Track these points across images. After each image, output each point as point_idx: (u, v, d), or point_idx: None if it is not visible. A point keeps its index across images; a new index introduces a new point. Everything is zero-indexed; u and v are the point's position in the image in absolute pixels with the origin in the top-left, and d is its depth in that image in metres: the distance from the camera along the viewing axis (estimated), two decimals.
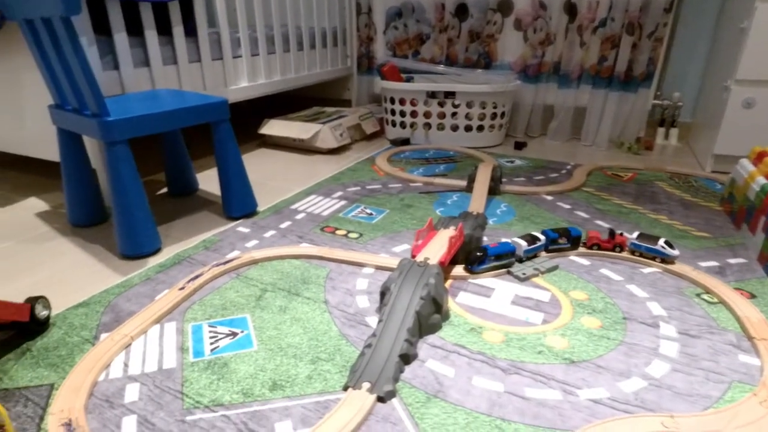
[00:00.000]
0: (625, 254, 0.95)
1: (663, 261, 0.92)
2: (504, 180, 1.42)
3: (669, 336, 0.73)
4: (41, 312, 0.74)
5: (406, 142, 1.83)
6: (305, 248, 0.99)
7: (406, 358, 0.66)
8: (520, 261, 0.92)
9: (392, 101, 1.81)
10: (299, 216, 1.17)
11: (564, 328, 0.75)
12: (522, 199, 1.27)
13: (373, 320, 0.77)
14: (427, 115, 1.78)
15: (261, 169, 1.56)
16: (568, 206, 1.22)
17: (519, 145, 1.78)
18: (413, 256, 0.84)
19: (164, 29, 1.31)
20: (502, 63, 1.90)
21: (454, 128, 1.77)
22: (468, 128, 1.76)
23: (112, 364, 0.68)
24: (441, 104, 1.74)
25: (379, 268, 0.93)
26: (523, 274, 0.88)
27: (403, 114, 1.81)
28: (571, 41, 1.76)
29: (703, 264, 0.93)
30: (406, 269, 0.77)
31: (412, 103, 1.78)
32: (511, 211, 1.19)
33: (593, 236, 0.97)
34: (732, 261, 0.94)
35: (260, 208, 1.23)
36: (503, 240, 0.94)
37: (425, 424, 0.57)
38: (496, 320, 0.77)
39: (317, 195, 1.30)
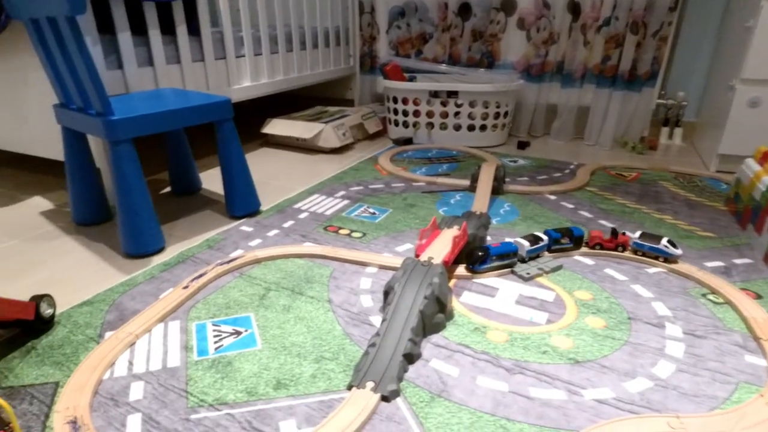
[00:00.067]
0: (627, 254, 0.95)
1: (666, 260, 0.92)
2: (507, 179, 1.42)
3: (675, 336, 0.72)
4: (46, 310, 0.74)
5: (408, 141, 1.82)
6: (308, 247, 0.99)
7: (410, 358, 0.66)
8: (523, 261, 0.92)
9: (395, 101, 1.80)
10: (302, 215, 1.17)
11: (568, 327, 0.74)
12: (525, 199, 1.27)
13: (376, 319, 0.77)
14: (429, 114, 1.78)
15: (264, 168, 1.56)
16: (571, 206, 1.22)
17: (522, 145, 1.77)
18: (417, 256, 0.84)
19: (168, 29, 1.31)
20: (505, 62, 1.89)
21: (457, 128, 1.77)
22: (471, 128, 1.76)
23: (117, 362, 0.68)
24: (444, 104, 1.74)
25: (382, 267, 0.93)
26: (527, 273, 0.88)
27: (405, 113, 1.81)
28: (574, 40, 1.75)
29: (709, 264, 0.93)
30: (410, 268, 0.77)
31: (415, 103, 1.77)
32: (515, 211, 1.19)
33: (595, 236, 0.97)
34: (738, 261, 0.94)
35: (263, 207, 1.23)
36: (506, 240, 0.94)
37: (429, 423, 0.57)
38: (500, 320, 0.76)
39: (320, 194, 1.30)
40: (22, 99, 1.24)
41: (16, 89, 1.24)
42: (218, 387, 0.63)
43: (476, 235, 0.94)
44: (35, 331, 0.74)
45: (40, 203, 1.28)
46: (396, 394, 0.61)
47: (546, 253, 0.96)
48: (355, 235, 1.06)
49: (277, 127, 1.79)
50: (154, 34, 1.25)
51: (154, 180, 1.46)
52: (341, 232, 1.08)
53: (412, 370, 0.66)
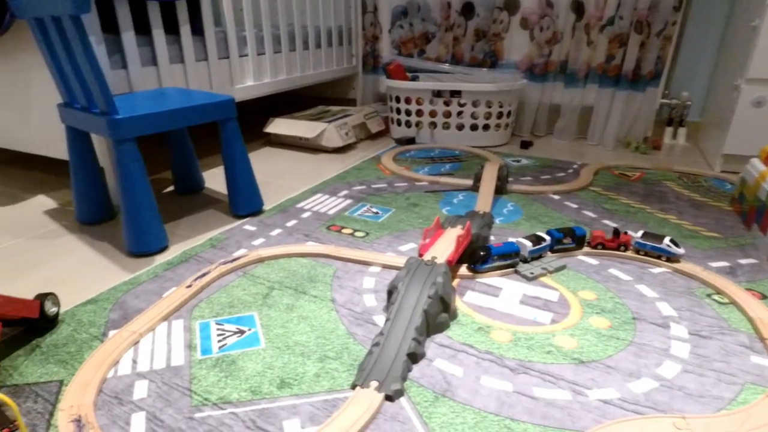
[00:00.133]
0: (630, 253, 0.94)
1: (668, 259, 0.91)
2: (510, 179, 1.41)
3: (680, 336, 0.72)
4: (50, 309, 0.74)
5: (411, 141, 1.82)
6: (312, 247, 0.98)
7: (414, 357, 0.66)
8: (525, 261, 0.92)
9: (398, 100, 1.80)
10: (305, 214, 1.17)
11: (573, 327, 0.74)
12: (529, 199, 1.27)
13: (380, 319, 0.77)
14: (432, 114, 1.77)
15: (267, 167, 1.56)
16: (575, 206, 1.22)
17: (525, 144, 1.77)
18: (420, 255, 0.83)
19: (171, 28, 1.31)
20: (508, 62, 1.89)
21: (460, 127, 1.77)
22: (474, 127, 1.76)
23: (121, 360, 0.68)
24: (447, 103, 1.74)
25: (385, 266, 0.92)
26: (531, 273, 0.88)
27: (408, 113, 1.80)
28: (578, 40, 1.75)
29: (714, 264, 0.92)
30: (414, 268, 0.77)
31: (418, 102, 1.77)
32: (518, 211, 1.19)
33: (597, 235, 0.96)
34: (743, 261, 0.93)
35: (266, 206, 1.23)
36: (509, 240, 0.94)
37: (434, 423, 0.57)
38: (504, 320, 0.76)
39: (323, 194, 1.30)
40: (25, 98, 1.24)
41: (20, 88, 1.24)
42: (222, 386, 0.63)
43: (480, 234, 0.94)
44: (40, 329, 0.74)
45: (43, 202, 1.28)
46: (400, 393, 0.61)
47: (549, 253, 0.95)
48: (358, 234, 1.06)
49: (280, 126, 1.79)
50: (158, 34, 1.26)
51: (157, 179, 1.46)
52: (344, 231, 1.08)
53: (416, 369, 0.65)
